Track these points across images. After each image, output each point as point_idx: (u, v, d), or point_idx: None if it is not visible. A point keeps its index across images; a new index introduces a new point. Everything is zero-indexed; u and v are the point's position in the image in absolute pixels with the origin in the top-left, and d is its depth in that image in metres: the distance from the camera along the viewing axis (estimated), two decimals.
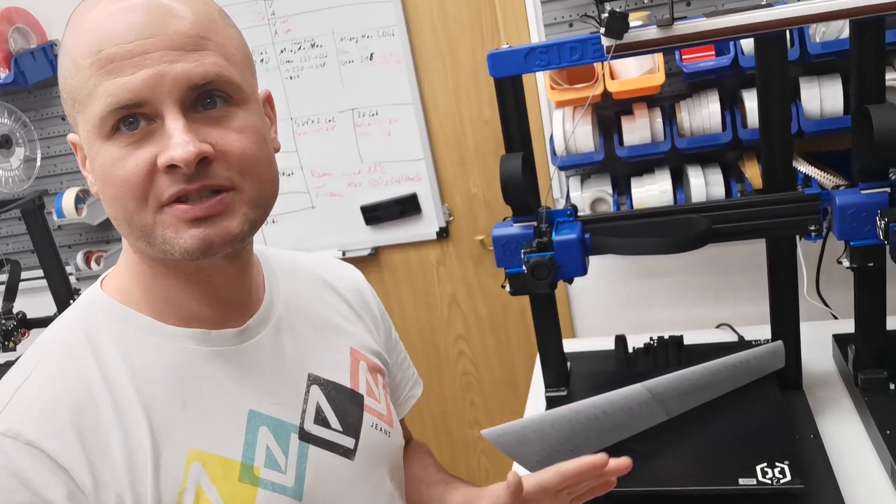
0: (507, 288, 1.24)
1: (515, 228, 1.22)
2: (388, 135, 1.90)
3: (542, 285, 1.17)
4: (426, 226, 1.97)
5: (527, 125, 1.22)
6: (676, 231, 1.18)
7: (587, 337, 1.89)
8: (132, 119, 0.65)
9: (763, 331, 1.37)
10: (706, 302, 1.81)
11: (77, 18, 0.67)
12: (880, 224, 1.07)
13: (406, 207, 1.95)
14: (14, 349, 1.75)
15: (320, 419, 0.80)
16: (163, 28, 0.65)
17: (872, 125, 1.05)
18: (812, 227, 1.13)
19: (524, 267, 1.17)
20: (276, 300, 0.82)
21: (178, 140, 0.64)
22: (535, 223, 1.21)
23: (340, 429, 0.81)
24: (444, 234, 1.97)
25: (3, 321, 1.73)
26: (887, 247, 1.06)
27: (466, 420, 2.17)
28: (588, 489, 0.85)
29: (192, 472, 0.69)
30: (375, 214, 1.96)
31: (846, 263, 1.15)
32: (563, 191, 1.76)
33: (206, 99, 0.67)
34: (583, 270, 1.18)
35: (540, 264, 1.16)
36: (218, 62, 0.67)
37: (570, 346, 1.46)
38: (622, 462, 0.80)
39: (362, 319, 0.94)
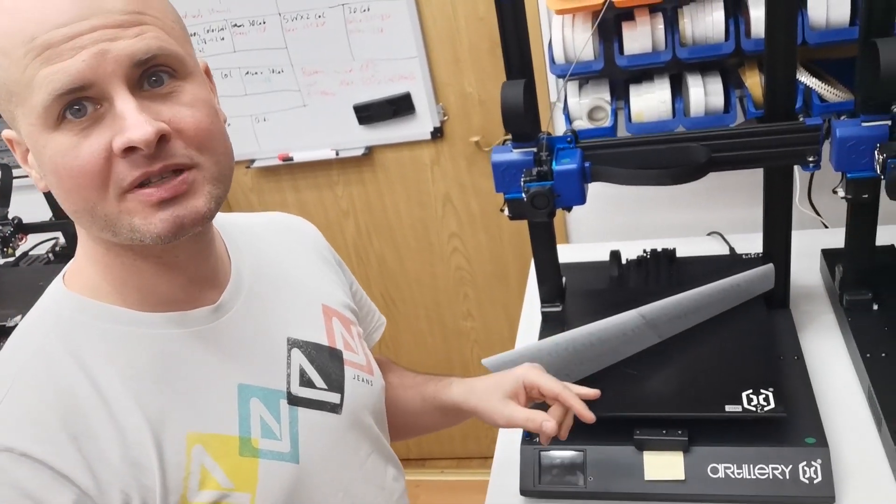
0: (506, 212, 1.25)
1: (515, 154, 1.21)
2: (381, 31, 1.84)
3: (540, 214, 1.18)
4: (420, 125, 1.94)
5: (528, 50, 1.19)
6: (676, 160, 1.18)
7: (580, 242, 1.92)
8: (78, 105, 0.62)
9: (753, 240, 1.40)
10: (699, 205, 1.83)
11: (1, 6, 0.62)
12: (878, 158, 1.08)
13: (399, 107, 1.91)
14: (13, 255, 1.76)
15: (305, 380, 0.82)
16: (98, 7, 0.62)
17: (879, 59, 1.03)
18: (811, 158, 1.14)
19: (523, 195, 1.17)
20: (244, 269, 0.82)
21: (133, 121, 0.62)
22: (534, 150, 1.20)
23: (325, 386, 0.84)
24: (438, 133, 1.95)
25: (1, 227, 1.73)
26: (883, 181, 1.08)
27: (459, 311, 2.23)
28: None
29: (194, 455, 0.70)
30: (368, 114, 1.93)
31: (841, 194, 1.16)
32: (560, 95, 1.73)
33: (152, 76, 0.65)
34: (581, 199, 1.19)
35: (539, 194, 1.16)
36: (159, 36, 0.65)
37: (563, 252, 1.49)
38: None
39: (326, 273, 0.95)
